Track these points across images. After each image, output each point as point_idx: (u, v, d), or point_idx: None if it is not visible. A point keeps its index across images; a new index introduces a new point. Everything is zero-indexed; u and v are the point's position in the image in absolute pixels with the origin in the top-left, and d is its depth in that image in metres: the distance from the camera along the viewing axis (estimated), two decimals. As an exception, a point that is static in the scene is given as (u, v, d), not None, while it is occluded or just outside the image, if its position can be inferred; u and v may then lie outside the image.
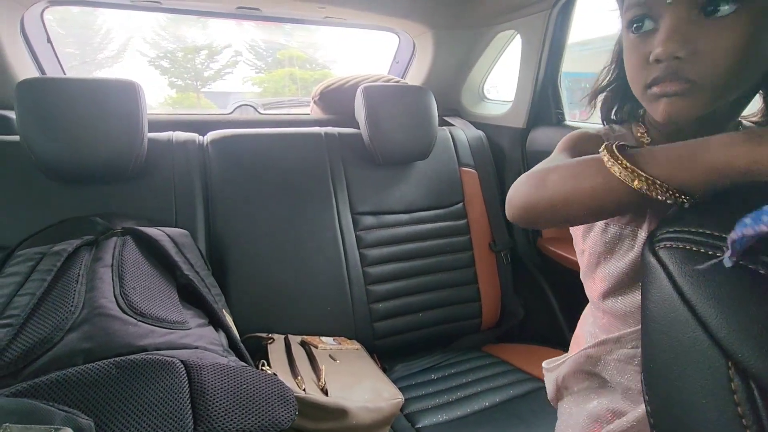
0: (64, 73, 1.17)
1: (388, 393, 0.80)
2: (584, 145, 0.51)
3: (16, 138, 0.85)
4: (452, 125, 1.37)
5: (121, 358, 0.53)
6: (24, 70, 1.02)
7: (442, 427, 0.85)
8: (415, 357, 1.10)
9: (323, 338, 0.97)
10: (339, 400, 0.72)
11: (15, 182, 0.85)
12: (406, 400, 0.89)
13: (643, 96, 0.45)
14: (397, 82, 1.34)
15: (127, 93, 0.88)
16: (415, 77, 1.42)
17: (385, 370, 1.00)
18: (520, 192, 0.47)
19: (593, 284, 0.55)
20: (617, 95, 0.55)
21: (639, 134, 0.52)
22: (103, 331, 0.57)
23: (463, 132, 1.29)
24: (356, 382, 0.81)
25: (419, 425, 0.85)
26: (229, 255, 0.97)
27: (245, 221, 1.00)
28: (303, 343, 0.92)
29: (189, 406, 0.51)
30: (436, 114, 1.17)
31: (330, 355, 0.90)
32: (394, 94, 1.13)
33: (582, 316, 0.66)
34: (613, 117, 0.57)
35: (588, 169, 0.40)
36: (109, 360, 0.53)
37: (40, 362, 0.53)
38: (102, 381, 0.50)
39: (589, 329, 0.59)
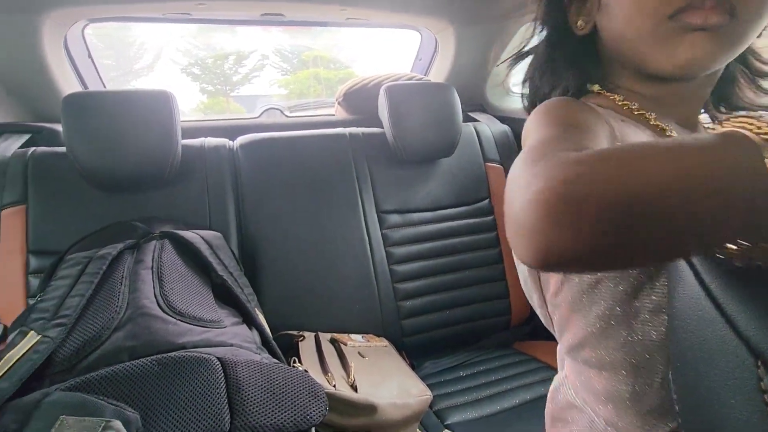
0: (104, 86, 1.24)
1: (416, 390, 0.81)
2: (585, 116, 0.38)
3: (63, 149, 0.91)
4: (477, 121, 1.35)
5: (163, 355, 0.57)
6: (68, 85, 1.08)
7: (472, 424, 0.85)
8: (443, 354, 1.10)
9: (352, 336, 0.99)
10: (368, 396, 0.73)
11: (63, 191, 0.91)
12: (435, 396, 0.89)
13: (655, 32, 0.35)
14: (420, 79, 1.34)
15: (161, 103, 0.92)
16: (438, 74, 1.41)
17: (413, 367, 1.01)
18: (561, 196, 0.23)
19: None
20: (550, 62, 0.44)
21: (620, 103, 0.41)
22: (146, 330, 0.61)
23: (489, 127, 1.28)
24: (385, 379, 0.82)
25: (448, 422, 0.85)
26: (260, 255, 1.01)
27: (275, 222, 1.03)
28: (332, 341, 0.95)
29: (226, 401, 0.54)
30: (460, 110, 1.16)
31: (359, 353, 0.91)
32: (416, 92, 1.13)
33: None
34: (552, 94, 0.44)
35: (725, 153, 0.23)
36: (151, 357, 0.56)
37: (90, 359, 0.57)
38: (145, 377, 0.54)
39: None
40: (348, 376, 0.79)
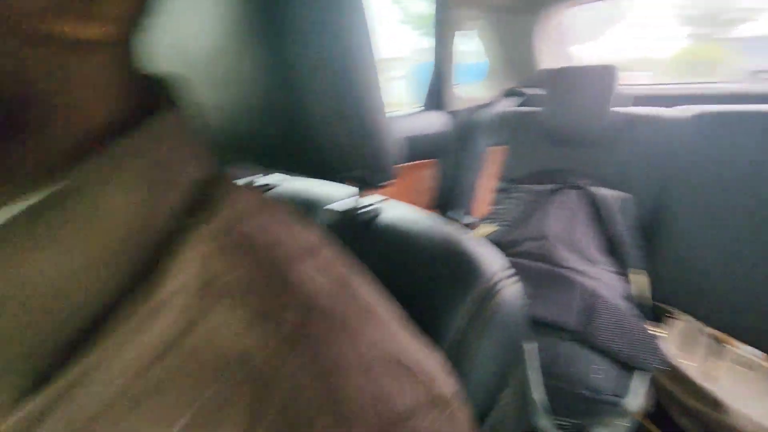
0: (570, 59, 1.50)
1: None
2: None
3: (532, 109, 1.27)
4: None
5: (552, 267, 0.84)
6: (542, 59, 1.43)
7: None
8: None
9: (740, 344, 0.89)
10: (718, 391, 0.72)
11: (527, 139, 1.28)
12: None
13: None
14: None
15: (603, 76, 1.07)
16: None
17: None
18: None
19: None
20: None
21: None
22: (548, 249, 0.90)
23: None
24: (761, 396, 0.74)
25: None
26: (664, 227, 1.02)
27: (692, 202, 0.99)
28: (713, 337, 0.90)
29: (574, 311, 0.76)
30: None
31: (741, 361, 0.84)
32: None
33: None
34: None
35: None
36: (547, 266, 0.86)
37: (513, 250, 0.93)
38: (541, 274, 0.84)
39: None
40: (703, 365, 0.79)
